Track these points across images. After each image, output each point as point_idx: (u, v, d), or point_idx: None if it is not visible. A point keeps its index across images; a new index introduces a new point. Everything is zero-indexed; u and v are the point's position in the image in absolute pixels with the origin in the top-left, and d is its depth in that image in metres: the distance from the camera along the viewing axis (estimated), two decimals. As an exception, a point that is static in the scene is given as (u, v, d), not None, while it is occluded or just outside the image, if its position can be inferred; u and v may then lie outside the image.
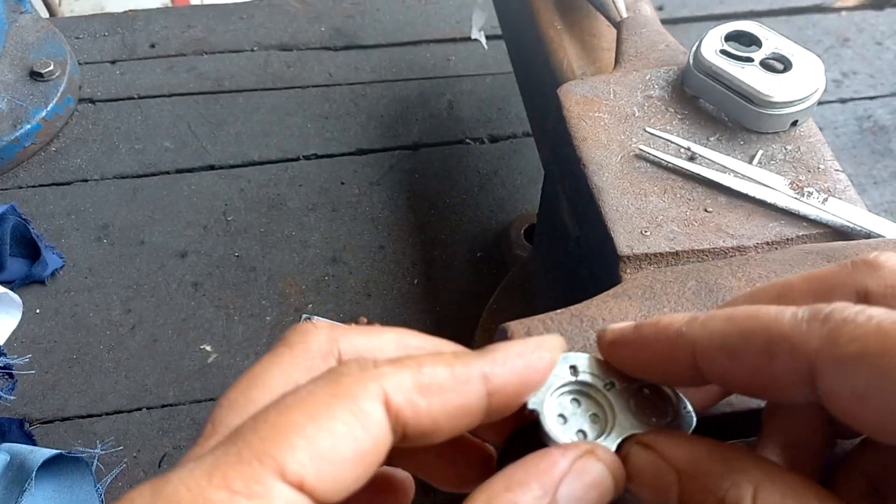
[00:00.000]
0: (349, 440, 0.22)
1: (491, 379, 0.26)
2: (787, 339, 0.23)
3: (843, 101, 1.11)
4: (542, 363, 0.27)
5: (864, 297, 0.26)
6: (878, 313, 0.22)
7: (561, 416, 0.30)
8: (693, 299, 0.39)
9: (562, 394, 0.30)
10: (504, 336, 0.39)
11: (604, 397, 0.30)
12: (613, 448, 0.29)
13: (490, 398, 0.26)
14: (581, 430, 0.29)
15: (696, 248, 0.51)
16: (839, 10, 1.23)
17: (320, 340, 0.27)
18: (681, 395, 0.30)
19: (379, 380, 0.24)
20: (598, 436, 0.29)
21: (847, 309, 0.23)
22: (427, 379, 0.25)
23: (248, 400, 0.25)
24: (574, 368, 0.31)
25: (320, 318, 0.34)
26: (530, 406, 0.30)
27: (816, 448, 0.28)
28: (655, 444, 0.27)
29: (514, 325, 0.39)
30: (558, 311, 0.40)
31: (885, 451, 0.27)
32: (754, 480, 0.24)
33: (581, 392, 0.31)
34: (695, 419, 0.30)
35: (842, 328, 0.22)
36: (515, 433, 0.32)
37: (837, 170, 0.56)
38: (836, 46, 1.17)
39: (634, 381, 0.30)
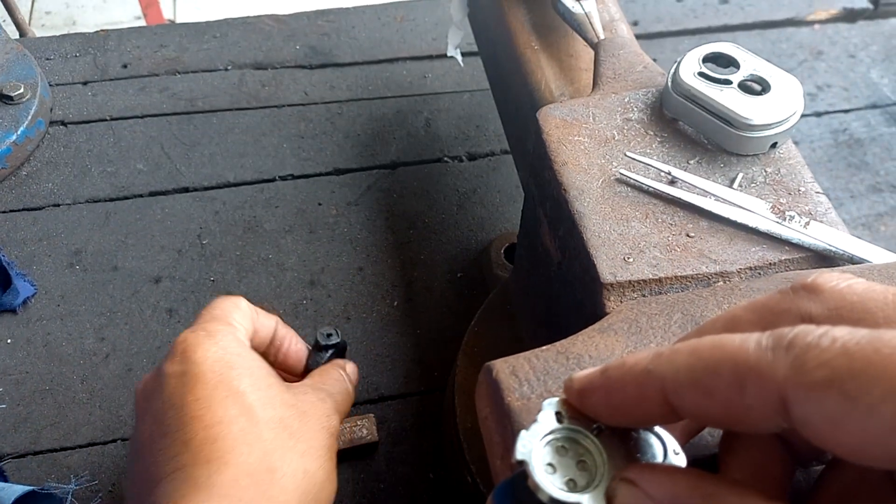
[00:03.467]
0: None
1: None
2: (754, 370, 0.23)
3: (818, 114, 1.11)
4: None
5: (809, 322, 0.26)
6: (841, 334, 0.22)
7: (549, 465, 0.29)
8: (679, 333, 0.39)
9: (548, 442, 0.30)
10: (490, 375, 0.38)
11: (592, 443, 0.30)
12: (602, 497, 0.28)
13: None
14: (571, 479, 0.29)
15: (680, 274, 0.50)
16: (812, 23, 1.24)
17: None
18: (667, 437, 0.30)
19: None
20: (588, 484, 0.28)
21: (810, 333, 0.22)
22: None
23: None
24: (560, 414, 0.30)
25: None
26: (518, 457, 0.29)
27: (778, 480, 0.28)
28: (639, 479, 0.27)
29: (498, 364, 0.38)
30: (543, 348, 0.39)
31: (849, 474, 0.27)
32: None
33: (568, 438, 0.30)
34: (685, 461, 0.29)
35: (807, 354, 0.22)
36: (504, 485, 0.31)
37: (818, 192, 0.56)
38: (810, 60, 1.18)
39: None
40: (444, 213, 0.95)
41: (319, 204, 0.95)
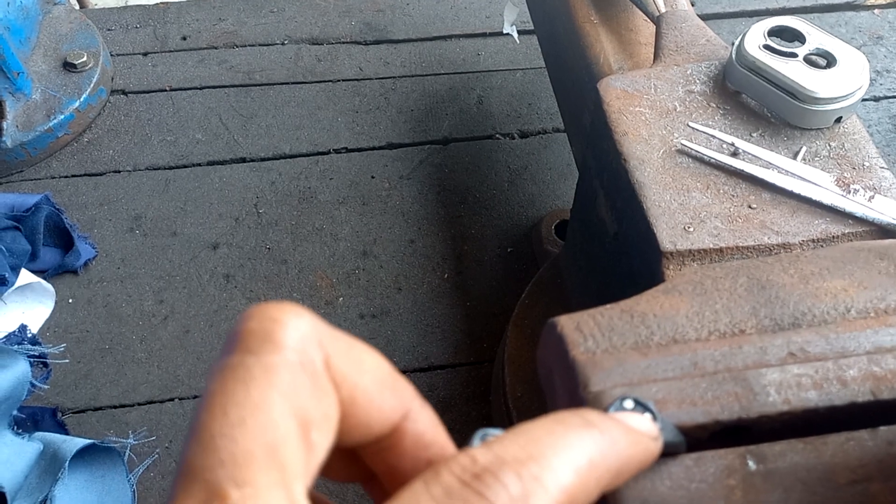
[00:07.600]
0: None
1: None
2: None
3: (876, 98, 1.09)
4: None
5: None
6: None
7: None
8: (745, 295, 0.39)
9: None
10: (554, 331, 0.38)
11: None
12: None
13: None
14: None
15: (741, 244, 0.50)
16: (872, 7, 1.22)
17: (305, 347, 0.22)
18: None
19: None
20: None
21: None
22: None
23: (260, 447, 0.20)
24: None
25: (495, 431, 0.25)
26: None
27: None
28: None
29: (563, 320, 0.38)
30: (607, 306, 0.39)
31: None
32: None
33: None
34: None
35: None
36: None
37: (882, 167, 0.55)
38: (870, 44, 1.16)
39: None
40: (496, 188, 0.95)
41: (372, 177, 0.96)
